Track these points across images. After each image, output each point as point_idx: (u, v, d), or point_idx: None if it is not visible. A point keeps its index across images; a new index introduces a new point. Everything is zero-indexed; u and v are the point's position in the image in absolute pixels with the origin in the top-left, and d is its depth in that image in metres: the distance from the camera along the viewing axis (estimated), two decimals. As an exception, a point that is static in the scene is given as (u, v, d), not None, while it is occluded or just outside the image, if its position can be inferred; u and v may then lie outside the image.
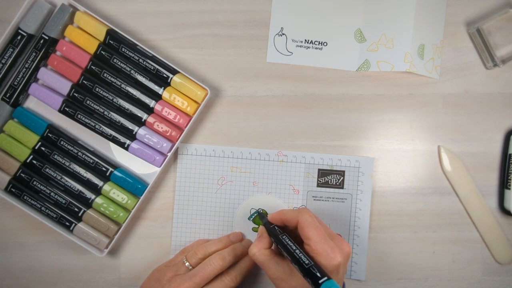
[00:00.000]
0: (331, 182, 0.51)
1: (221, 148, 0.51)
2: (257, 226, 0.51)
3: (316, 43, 0.51)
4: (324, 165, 0.51)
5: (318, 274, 0.35)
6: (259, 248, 0.41)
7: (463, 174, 0.51)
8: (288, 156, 0.51)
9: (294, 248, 0.38)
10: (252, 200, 0.51)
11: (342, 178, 0.51)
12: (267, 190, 0.51)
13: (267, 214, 0.51)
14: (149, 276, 0.47)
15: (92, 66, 0.48)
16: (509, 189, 0.50)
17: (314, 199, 0.51)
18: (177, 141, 0.49)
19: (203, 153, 0.51)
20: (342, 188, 0.51)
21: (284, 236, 0.40)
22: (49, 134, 0.49)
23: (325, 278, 0.34)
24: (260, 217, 0.50)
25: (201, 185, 0.51)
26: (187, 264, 0.45)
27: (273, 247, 0.43)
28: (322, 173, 0.51)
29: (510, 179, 0.50)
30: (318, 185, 0.51)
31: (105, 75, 0.48)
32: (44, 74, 0.49)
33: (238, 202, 0.51)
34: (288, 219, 0.42)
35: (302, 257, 0.37)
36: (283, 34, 0.51)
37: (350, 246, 0.40)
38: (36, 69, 0.49)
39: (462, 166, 0.51)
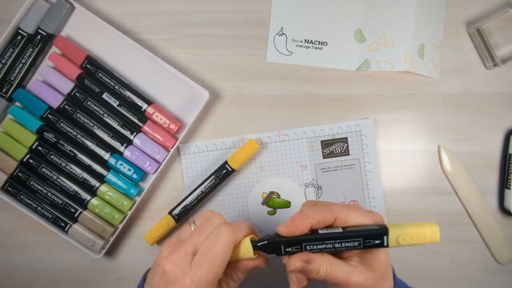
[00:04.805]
0: (336, 151, 0.51)
1: (222, 141, 0.51)
2: (271, 209, 0.51)
3: (316, 43, 0.51)
4: (325, 135, 0.51)
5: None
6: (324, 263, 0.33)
7: (463, 174, 0.51)
8: (289, 134, 0.51)
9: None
10: (262, 184, 0.51)
11: (346, 144, 0.51)
12: (275, 172, 0.51)
13: (279, 196, 0.51)
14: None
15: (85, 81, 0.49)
16: (509, 189, 0.50)
17: (323, 171, 0.51)
18: (172, 147, 0.49)
19: (205, 149, 0.51)
20: (348, 154, 0.51)
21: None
22: (49, 116, 0.49)
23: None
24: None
25: None
26: (192, 226, 0.37)
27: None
28: (325, 144, 0.51)
29: (510, 179, 0.50)
30: (324, 157, 0.51)
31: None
32: (46, 72, 0.49)
33: (249, 190, 0.51)
34: (321, 220, 0.33)
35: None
36: (283, 34, 0.51)
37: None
38: (33, 64, 0.49)
39: (462, 166, 0.51)
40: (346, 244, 0.32)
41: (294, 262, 0.33)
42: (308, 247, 0.32)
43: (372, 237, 0.31)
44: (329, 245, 0.32)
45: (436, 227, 0.31)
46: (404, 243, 0.31)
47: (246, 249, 0.34)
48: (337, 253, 0.35)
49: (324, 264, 0.33)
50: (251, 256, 0.34)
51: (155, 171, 0.49)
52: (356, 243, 0.31)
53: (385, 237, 0.31)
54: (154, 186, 0.51)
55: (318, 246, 0.32)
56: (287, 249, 0.33)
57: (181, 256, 0.33)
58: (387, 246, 0.31)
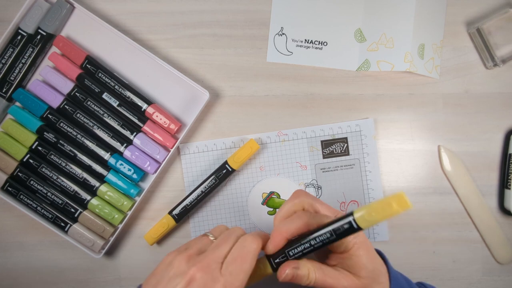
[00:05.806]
0: (336, 151, 0.51)
1: (222, 141, 0.51)
2: (271, 209, 0.51)
3: (316, 43, 0.51)
4: (325, 135, 0.51)
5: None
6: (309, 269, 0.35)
7: (463, 174, 0.51)
8: (289, 134, 0.51)
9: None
10: (262, 184, 0.51)
11: (346, 144, 0.51)
12: (275, 172, 0.51)
13: (279, 196, 0.51)
14: (159, 263, 0.36)
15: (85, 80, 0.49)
16: (509, 189, 0.50)
17: (323, 171, 0.51)
18: (172, 147, 0.49)
19: (205, 149, 0.51)
20: (348, 154, 0.51)
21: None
22: (49, 116, 0.49)
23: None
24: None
25: None
26: (211, 237, 0.37)
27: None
28: (326, 144, 0.51)
29: (510, 179, 0.50)
30: (324, 157, 0.51)
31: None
32: (47, 72, 0.49)
33: (249, 190, 0.51)
34: (295, 232, 0.35)
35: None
36: (283, 34, 0.51)
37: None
38: (33, 64, 0.49)
39: (462, 166, 0.51)
40: (320, 237, 0.33)
41: (284, 271, 0.34)
42: (290, 253, 0.34)
43: (339, 222, 0.32)
44: (306, 244, 0.33)
45: (401, 193, 0.28)
46: (372, 219, 0.30)
47: (265, 266, 0.36)
48: (322, 260, 0.37)
49: (312, 269, 0.34)
50: (270, 273, 0.36)
51: (155, 171, 0.49)
52: (328, 234, 0.32)
53: (351, 218, 0.31)
54: (154, 186, 0.51)
55: (298, 248, 0.34)
56: (275, 261, 0.35)
57: (210, 263, 0.33)
58: (359, 227, 0.31)
